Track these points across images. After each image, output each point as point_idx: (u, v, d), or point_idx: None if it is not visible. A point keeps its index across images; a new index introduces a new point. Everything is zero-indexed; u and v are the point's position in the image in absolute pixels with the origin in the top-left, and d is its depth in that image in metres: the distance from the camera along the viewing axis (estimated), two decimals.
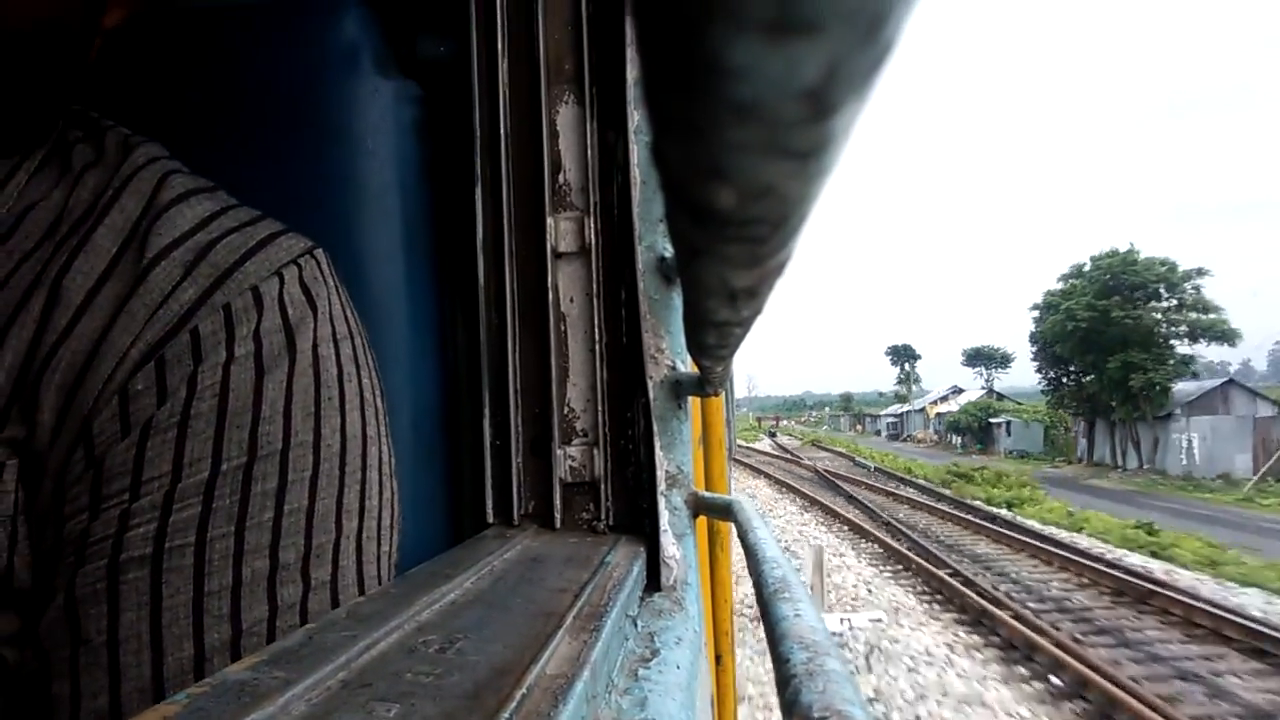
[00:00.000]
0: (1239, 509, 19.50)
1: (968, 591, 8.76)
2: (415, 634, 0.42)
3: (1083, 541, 12.92)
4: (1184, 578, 10.32)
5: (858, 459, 30.74)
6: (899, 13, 0.11)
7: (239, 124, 0.78)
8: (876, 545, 12.21)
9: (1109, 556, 11.34)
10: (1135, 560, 11.47)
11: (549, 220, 0.73)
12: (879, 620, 7.68)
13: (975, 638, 7.65)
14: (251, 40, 0.79)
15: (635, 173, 0.73)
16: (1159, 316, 29.10)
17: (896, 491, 19.31)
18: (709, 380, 0.65)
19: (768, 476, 22.05)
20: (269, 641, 0.49)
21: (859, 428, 63.08)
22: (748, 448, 35.93)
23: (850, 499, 17.49)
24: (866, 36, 0.11)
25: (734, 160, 0.14)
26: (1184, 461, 26.76)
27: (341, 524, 0.54)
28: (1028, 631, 7.24)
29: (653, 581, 0.68)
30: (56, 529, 0.49)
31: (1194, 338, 28.70)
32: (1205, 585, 9.93)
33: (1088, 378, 30.72)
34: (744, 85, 0.11)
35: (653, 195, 0.74)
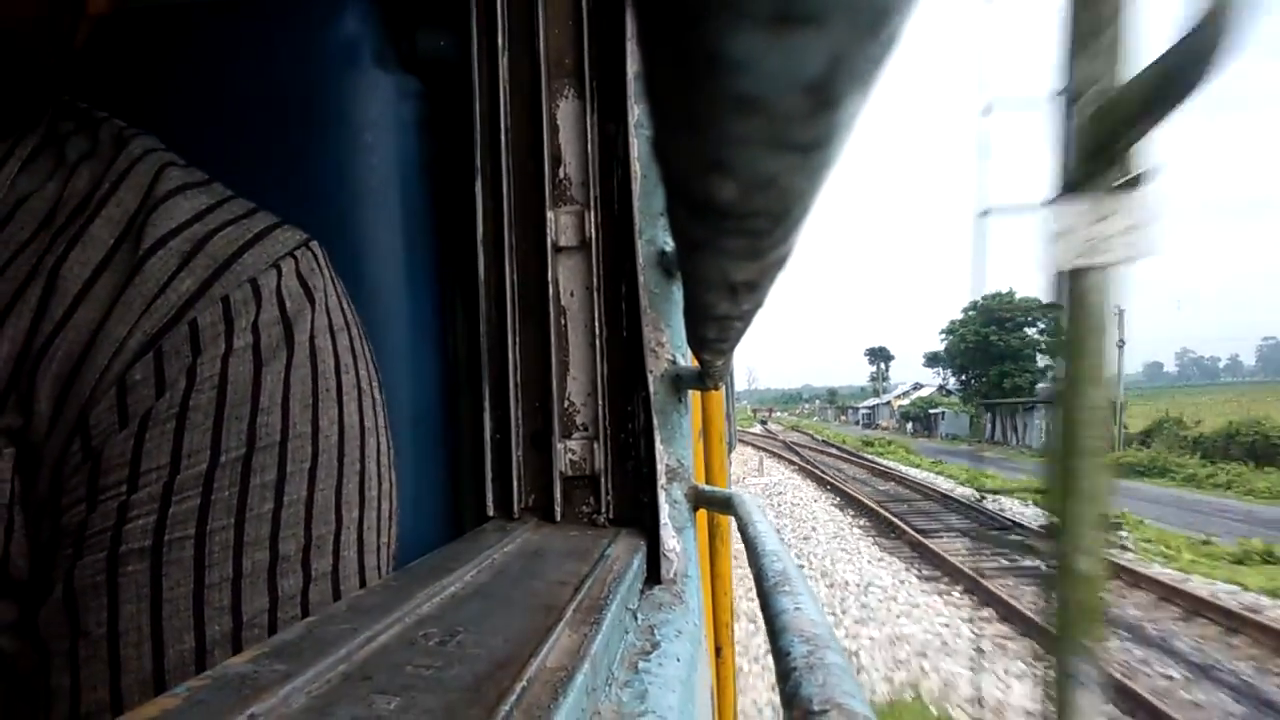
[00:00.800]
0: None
1: (825, 477, 19.76)
2: (415, 627, 0.42)
3: (911, 472, 22.35)
4: (925, 478, 20.72)
5: (816, 437, 44.58)
6: (902, 6, 0.11)
7: (238, 118, 0.78)
8: (796, 467, 23.70)
9: (907, 472, 21.94)
10: (918, 475, 21.53)
11: (549, 214, 0.73)
12: (779, 483, 19.20)
13: (824, 491, 17.89)
14: (251, 34, 0.79)
15: (636, 166, 0.73)
16: (1025, 339, 43.06)
17: (824, 450, 32.67)
18: (709, 374, 0.65)
19: (753, 446, 32.97)
20: (270, 633, 0.49)
21: (843, 418, 74.68)
22: (743, 431, 47.11)
23: (796, 454, 28.74)
24: (870, 29, 0.11)
25: (735, 153, 0.14)
26: (1040, 439, 35.44)
27: (341, 515, 0.54)
28: (839, 485, 17.98)
29: (653, 574, 0.69)
30: (54, 520, 0.49)
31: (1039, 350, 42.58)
32: (936, 481, 20.01)
33: (982, 381, 44.63)
34: (746, 78, 0.11)
35: (653, 189, 0.74)
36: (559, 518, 0.72)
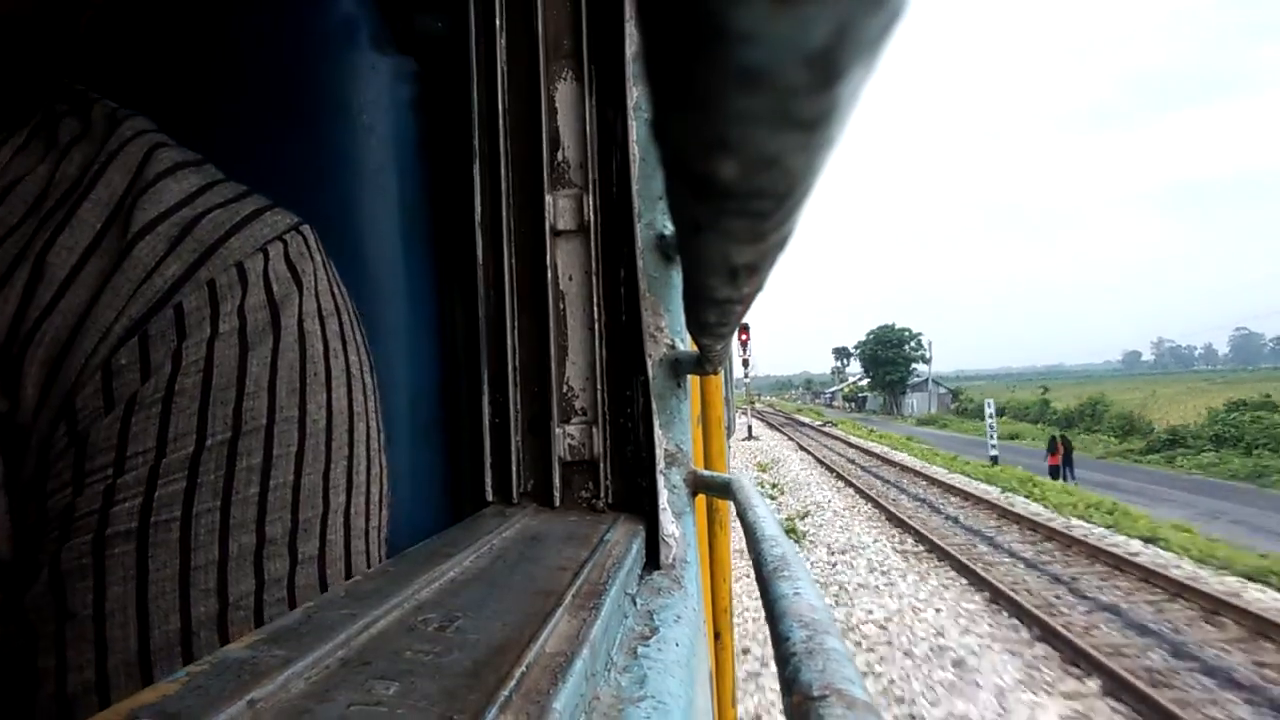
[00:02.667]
0: (902, 425, 50.94)
1: (782, 430, 39.59)
2: (414, 612, 0.42)
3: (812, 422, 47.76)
4: (834, 430, 40.78)
5: (776, 409, 69.03)
6: None
7: (233, 99, 0.77)
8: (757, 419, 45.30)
9: (809, 422, 47.81)
10: (807, 420, 51.23)
11: (547, 198, 0.73)
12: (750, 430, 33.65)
13: (776, 432, 37.29)
14: (247, 15, 0.78)
15: (634, 149, 0.73)
16: (899, 353, 70.87)
17: (774, 415, 54.88)
18: (708, 358, 0.65)
19: (742, 412, 43.03)
20: (256, 614, 0.50)
21: (816, 400, 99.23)
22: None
23: (760, 418, 48.88)
24: None
25: (738, 131, 0.14)
26: (910, 411, 63.68)
27: (329, 499, 0.54)
28: (782, 429, 40.19)
29: (652, 559, 0.69)
30: (39, 504, 0.50)
31: (919, 360, 70.50)
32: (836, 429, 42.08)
33: (876, 376, 73.89)
34: (750, 49, 0.11)
35: (652, 172, 0.73)
36: (558, 503, 0.72)
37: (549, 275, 0.73)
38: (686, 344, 0.75)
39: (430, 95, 0.81)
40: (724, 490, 0.72)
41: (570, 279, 0.73)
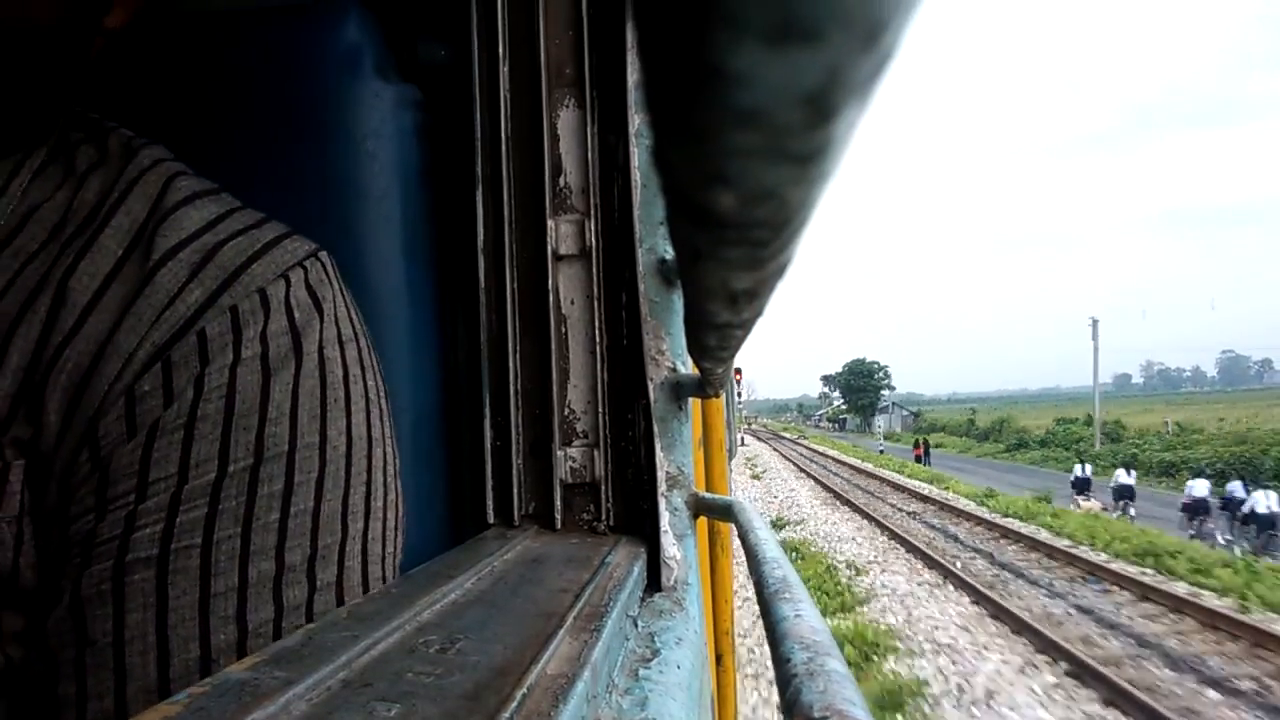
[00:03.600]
0: (870, 440, 57.77)
1: (763, 439, 55.75)
2: (416, 634, 0.42)
3: (808, 440, 57.95)
4: (803, 441, 56.25)
5: (767, 429, 77.71)
6: (899, 20, 0.11)
7: (239, 127, 0.78)
8: (750, 435, 56.43)
9: (789, 437, 61.78)
10: (787, 436, 64.50)
11: (550, 223, 0.73)
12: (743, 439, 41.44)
13: (764, 443, 50.80)
14: (252, 44, 0.79)
15: (636, 176, 0.73)
16: (869, 381, 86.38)
17: (763, 433, 65.35)
18: (709, 382, 0.65)
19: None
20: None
21: (806, 422, 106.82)
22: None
23: (753, 435, 59.56)
24: (866, 43, 0.11)
25: (735, 165, 0.14)
26: (879, 429, 68.63)
27: (347, 525, 0.54)
28: (772, 444, 50.41)
29: (653, 582, 0.68)
30: (62, 529, 0.49)
31: (886, 388, 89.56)
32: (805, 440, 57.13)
33: (852, 401, 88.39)
34: (745, 91, 0.11)
35: (653, 198, 0.74)
36: (559, 525, 0.72)
37: (551, 299, 0.73)
38: (688, 367, 0.75)
39: (434, 122, 0.82)
40: (725, 513, 0.72)
41: (572, 303, 0.74)
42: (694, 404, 0.79)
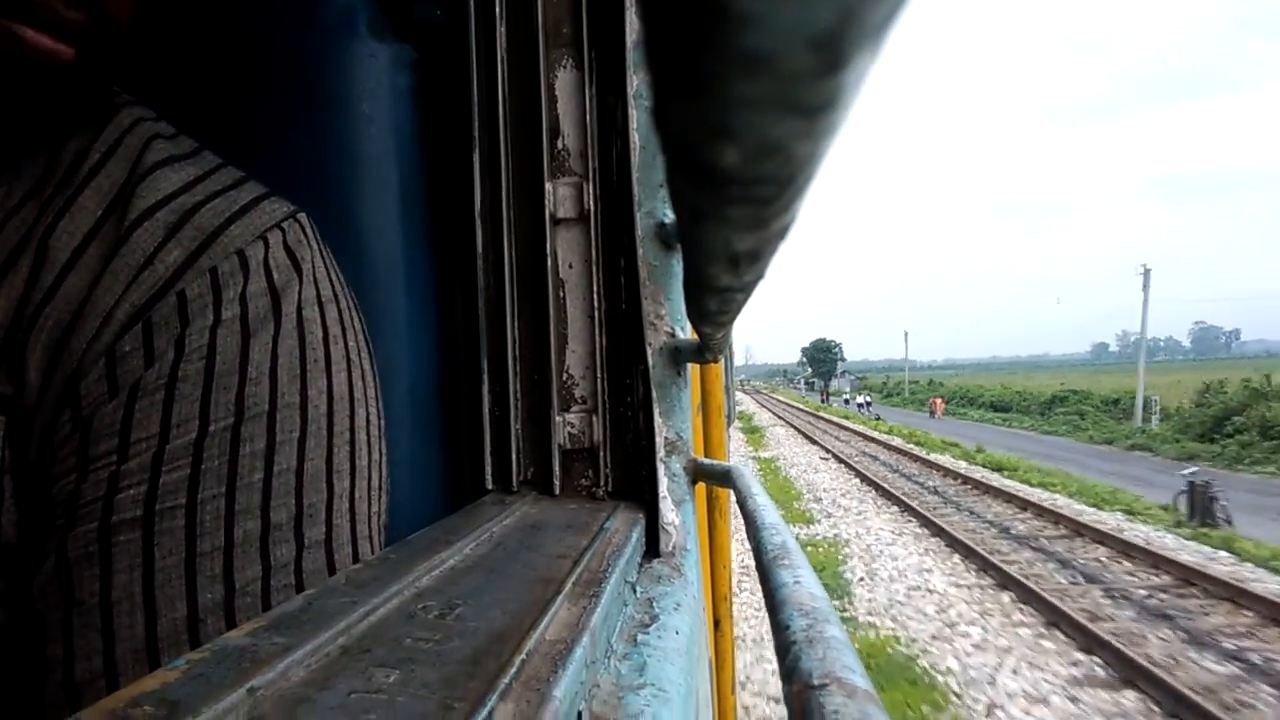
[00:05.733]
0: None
1: (747, 392, 76.19)
2: (415, 600, 0.42)
3: (780, 397, 71.63)
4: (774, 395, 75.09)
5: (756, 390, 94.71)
6: None
7: (233, 89, 0.77)
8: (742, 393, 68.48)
9: (765, 392, 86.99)
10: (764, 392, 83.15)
11: (547, 186, 0.72)
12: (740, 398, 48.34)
13: (750, 396, 68.79)
14: (246, 4, 0.78)
15: (635, 137, 0.72)
16: (828, 354, 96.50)
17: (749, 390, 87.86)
18: (709, 346, 0.64)
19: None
20: (263, 601, 0.50)
21: (789, 384, 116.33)
22: None
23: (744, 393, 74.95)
24: None
25: (741, 117, 0.14)
26: (834, 390, 79.76)
27: (333, 484, 0.55)
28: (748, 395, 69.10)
29: (652, 548, 0.69)
30: (45, 488, 0.50)
31: (839, 360, 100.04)
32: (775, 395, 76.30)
33: (815, 369, 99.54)
34: (754, 34, 0.11)
35: (652, 160, 0.73)
36: (558, 491, 0.72)
37: (549, 264, 0.72)
38: (687, 332, 0.75)
39: (429, 83, 0.81)
40: (724, 479, 0.72)
41: (570, 267, 0.73)
42: (693, 369, 0.79)
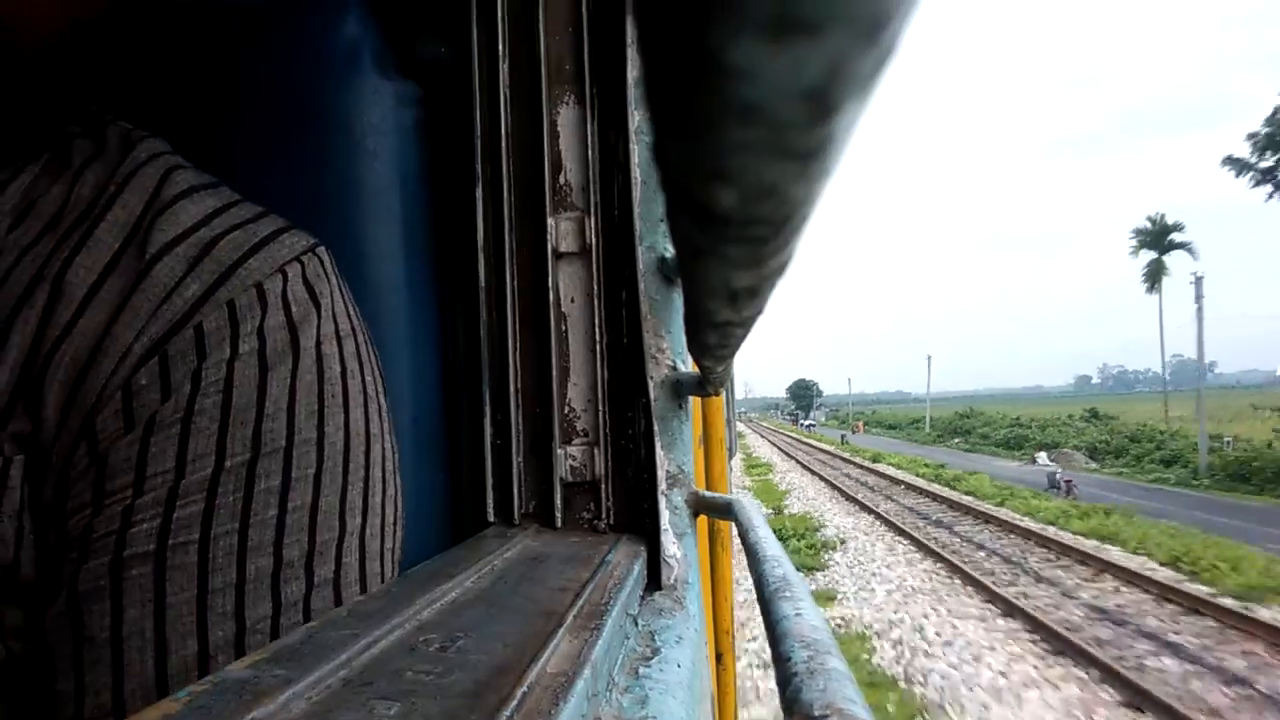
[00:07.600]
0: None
1: (742, 421, 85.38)
2: (416, 632, 0.42)
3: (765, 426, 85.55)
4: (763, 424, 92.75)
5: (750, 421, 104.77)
6: (900, 14, 0.11)
7: (239, 123, 0.78)
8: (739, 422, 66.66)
9: (758, 421, 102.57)
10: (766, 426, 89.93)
11: (549, 220, 0.73)
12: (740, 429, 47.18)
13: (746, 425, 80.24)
14: (252, 39, 0.79)
15: (636, 173, 0.73)
16: (808, 392, 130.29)
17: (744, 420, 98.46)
18: (710, 380, 0.65)
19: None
20: (273, 639, 0.49)
21: (780, 417, 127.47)
22: None
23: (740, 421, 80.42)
24: (868, 37, 0.11)
25: (736, 161, 0.14)
26: (804, 422, 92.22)
27: (345, 521, 0.54)
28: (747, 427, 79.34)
29: (653, 580, 0.68)
30: (60, 524, 0.49)
31: (816, 395, 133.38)
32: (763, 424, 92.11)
33: (797, 402, 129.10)
34: (746, 86, 0.11)
35: (653, 195, 0.74)
36: (559, 524, 0.72)
37: (551, 297, 0.73)
38: (688, 366, 0.75)
39: (433, 119, 0.82)
40: (725, 511, 0.72)
41: (572, 300, 0.74)
42: (694, 402, 0.79)
